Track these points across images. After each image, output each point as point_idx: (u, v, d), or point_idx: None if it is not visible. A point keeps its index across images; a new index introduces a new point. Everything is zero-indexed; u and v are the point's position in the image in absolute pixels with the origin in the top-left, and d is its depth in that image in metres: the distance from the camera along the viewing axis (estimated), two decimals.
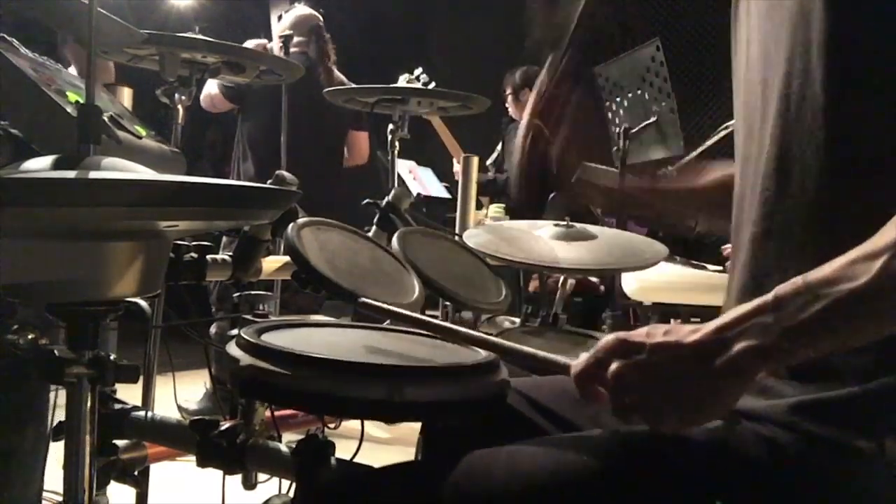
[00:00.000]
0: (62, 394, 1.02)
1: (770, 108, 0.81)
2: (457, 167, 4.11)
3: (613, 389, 0.71)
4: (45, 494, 1.88)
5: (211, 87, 3.19)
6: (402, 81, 2.69)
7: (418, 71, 2.68)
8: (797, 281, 0.66)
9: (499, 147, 4.30)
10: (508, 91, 4.32)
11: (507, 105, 4.32)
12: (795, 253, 0.77)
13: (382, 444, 1.14)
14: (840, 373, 0.73)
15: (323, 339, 0.96)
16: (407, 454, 0.99)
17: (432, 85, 2.68)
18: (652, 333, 0.70)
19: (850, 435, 0.72)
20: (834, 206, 0.74)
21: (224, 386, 0.98)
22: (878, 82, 0.73)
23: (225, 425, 1.02)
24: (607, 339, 0.72)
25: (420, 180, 4.37)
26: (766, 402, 0.77)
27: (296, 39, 3.13)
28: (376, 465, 0.87)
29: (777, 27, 0.81)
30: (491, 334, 0.87)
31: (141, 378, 1.07)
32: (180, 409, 2.06)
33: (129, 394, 1.19)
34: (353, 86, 2.49)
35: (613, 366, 0.70)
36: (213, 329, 2.72)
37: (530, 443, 0.81)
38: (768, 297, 0.67)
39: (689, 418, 0.70)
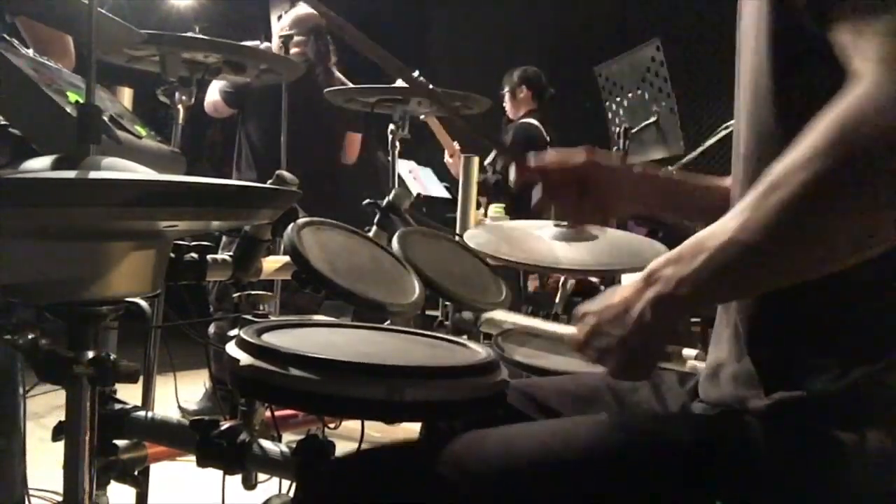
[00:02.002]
0: (62, 394, 1.02)
1: (771, 109, 0.80)
2: (448, 159, 4.10)
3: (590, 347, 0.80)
4: (45, 494, 1.89)
5: (213, 94, 3.18)
6: (399, 83, 2.68)
7: (415, 74, 2.68)
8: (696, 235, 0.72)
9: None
10: (506, 89, 4.32)
11: (504, 104, 4.32)
12: None
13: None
14: (821, 366, 0.74)
15: (323, 339, 0.96)
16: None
17: (430, 87, 2.68)
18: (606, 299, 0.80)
19: (832, 427, 0.73)
20: None
21: (224, 386, 0.98)
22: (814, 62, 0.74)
23: (225, 425, 1.02)
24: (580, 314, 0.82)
25: (420, 180, 4.37)
26: (756, 393, 0.77)
27: (295, 39, 3.12)
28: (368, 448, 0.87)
29: (748, 26, 0.82)
30: (490, 335, 0.87)
31: (141, 378, 1.07)
32: (181, 409, 2.07)
33: (129, 394, 1.19)
34: (354, 86, 2.49)
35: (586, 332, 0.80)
36: (211, 329, 2.73)
37: (523, 425, 0.81)
38: (674, 251, 0.74)
39: (629, 366, 0.79)
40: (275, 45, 3.16)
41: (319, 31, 3.28)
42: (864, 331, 0.74)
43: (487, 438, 0.79)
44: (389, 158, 2.64)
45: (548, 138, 4.26)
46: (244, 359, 0.81)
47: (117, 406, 1.15)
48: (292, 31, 3.12)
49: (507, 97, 4.33)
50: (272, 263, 1.44)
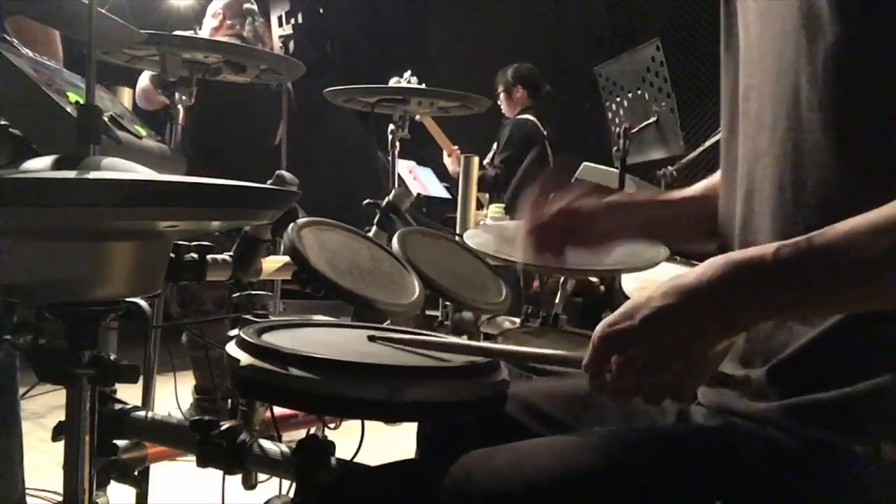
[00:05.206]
0: (62, 394, 1.02)
1: (772, 118, 0.79)
2: (447, 160, 4.10)
3: (619, 379, 0.70)
4: (45, 494, 1.89)
5: (143, 81, 2.96)
6: (392, 84, 2.67)
7: (407, 74, 2.67)
8: (800, 242, 0.66)
9: (494, 146, 4.30)
10: (500, 89, 4.32)
11: (498, 103, 4.31)
12: None
13: (382, 444, 1.14)
14: (834, 374, 0.73)
15: (323, 339, 0.96)
16: (407, 454, 0.99)
17: (422, 86, 2.66)
18: (634, 309, 0.69)
19: (844, 437, 0.72)
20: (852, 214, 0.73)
21: (211, 395, 0.98)
22: (889, 88, 0.72)
23: (225, 425, 1.02)
24: (596, 335, 0.71)
25: (420, 180, 4.37)
26: (763, 403, 0.77)
27: (227, 22, 3.06)
28: (376, 465, 0.87)
29: (774, 35, 0.80)
30: (491, 335, 0.87)
31: (141, 378, 1.07)
32: (180, 409, 2.07)
33: (129, 394, 1.19)
34: (354, 86, 2.49)
35: (614, 359, 0.70)
36: (184, 338, 2.72)
37: (530, 442, 0.81)
38: (767, 253, 0.67)
39: (688, 383, 0.70)
40: (276, 45, 3.13)
41: (252, 13, 3.20)
42: (879, 340, 0.72)
43: (491, 457, 0.78)
44: (389, 158, 2.63)
45: (545, 133, 4.26)
46: (244, 359, 0.81)
47: (117, 406, 1.15)
48: (223, 13, 3.06)
49: (501, 96, 4.33)
50: (272, 263, 1.44)
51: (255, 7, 3.16)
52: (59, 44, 1.83)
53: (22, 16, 1.63)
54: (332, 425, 1.11)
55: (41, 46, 1.66)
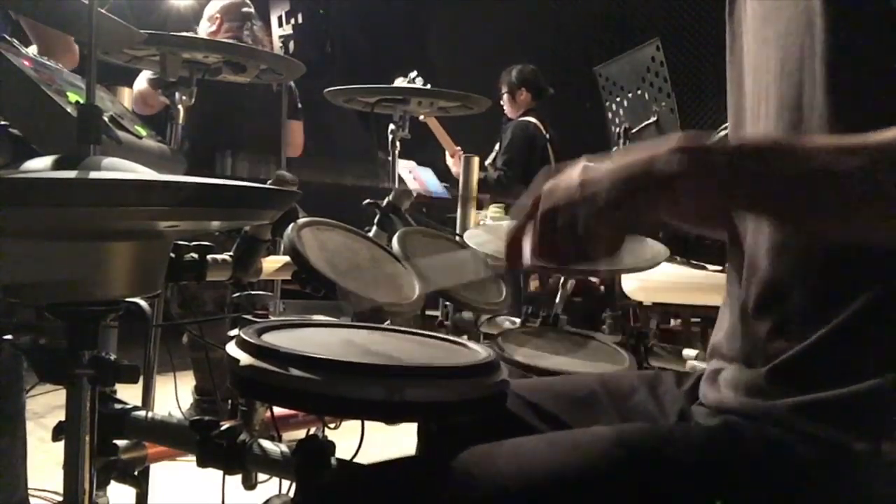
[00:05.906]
0: (62, 394, 1.02)
1: (776, 119, 0.79)
2: (449, 160, 4.10)
3: (542, 223, 0.68)
4: (44, 494, 1.89)
5: (139, 85, 2.93)
6: (397, 84, 2.67)
7: (413, 74, 2.67)
8: (766, 137, 0.67)
9: (497, 147, 4.30)
10: (504, 90, 4.31)
11: (502, 104, 4.30)
12: (817, 262, 0.76)
13: (382, 445, 1.14)
14: (836, 373, 0.73)
15: (323, 340, 0.96)
16: (407, 454, 0.99)
17: (427, 87, 2.67)
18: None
19: (846, 436, 0.72)
20: None
21: (210, 396, 0.98)
22: (881, 87, 0.72)
23: (225, 425, 1.02)
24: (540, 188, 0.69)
25: (420, 180, 4.37)
26: (764, 402, 0.77)
27: (226, 25, 3.06)
28: (375, 462, 0.87)
29: (778, 35, 0.80)
30: (491, 335, 0.87)
31: (141, 378, 1.07)
32: (180, 409, 2.07)
33: (129, 394, 1.19)
34: (354, 86, 2.49)
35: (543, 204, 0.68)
36: (185, 338, 2.71)
37: (530, 439, 0.81)
38: (729, 143, 0.67)
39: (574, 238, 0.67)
40: (276, 46, 3.12)
41: (250, 16, 3.17)
42: (880, 340, 0.73)
43: (492, 454, 0.78)
44: (389, 158, 2.63)
45: (547, 136, 4.26)
46: (244, 359, 0.81)
47: (117, 406, 1.15)
48: (220, 16, 3.05)
49: (505, 98, 4.32)
50: (272, 263, 1.44)
51: (252, 10, 3.15)
52: (75, 48, 1.83)
53: (38, 22, 1.64)
54: (332, 425, 1.11)
55: (58, 50, 1.67)
